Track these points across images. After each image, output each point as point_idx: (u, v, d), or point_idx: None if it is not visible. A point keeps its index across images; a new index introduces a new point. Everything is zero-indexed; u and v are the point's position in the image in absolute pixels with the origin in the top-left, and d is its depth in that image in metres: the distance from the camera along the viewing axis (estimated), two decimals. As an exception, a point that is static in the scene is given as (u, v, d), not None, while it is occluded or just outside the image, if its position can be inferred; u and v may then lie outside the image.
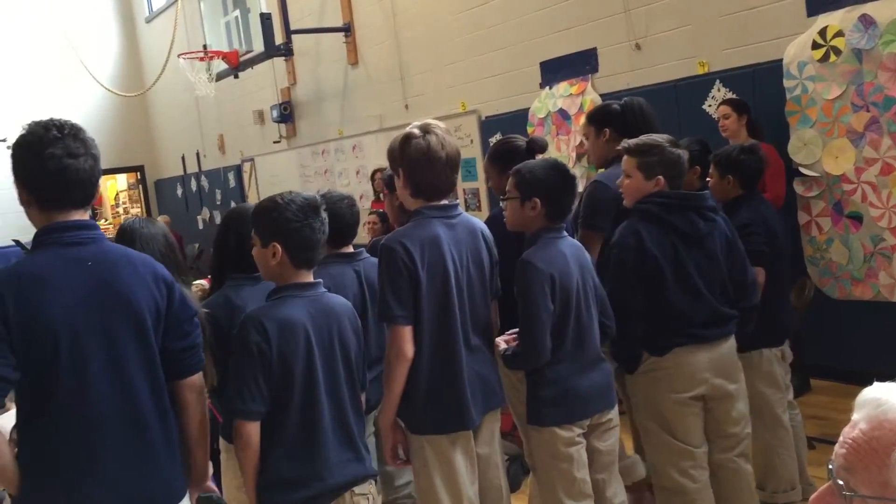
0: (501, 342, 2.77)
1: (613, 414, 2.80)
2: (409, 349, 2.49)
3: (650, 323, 2.87)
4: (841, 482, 1.06)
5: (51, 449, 2.00)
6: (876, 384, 1.11)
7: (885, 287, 4.56)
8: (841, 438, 1.10)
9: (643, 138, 2.97)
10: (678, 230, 2.87)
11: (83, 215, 2.09)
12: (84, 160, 2.02)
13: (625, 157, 2.97)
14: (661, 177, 2.90)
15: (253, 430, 2.24)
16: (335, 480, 2.32)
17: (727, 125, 4.75)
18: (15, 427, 2.13)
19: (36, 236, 2.07)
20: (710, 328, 2.91)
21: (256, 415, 2.23)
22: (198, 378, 2.19)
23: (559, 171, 2.74)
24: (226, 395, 2.24)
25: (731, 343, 2.99)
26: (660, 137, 2.96)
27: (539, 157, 3.22)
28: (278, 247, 2.29)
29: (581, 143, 6.04)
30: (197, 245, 12.44)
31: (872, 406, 1.08)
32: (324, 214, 2.37)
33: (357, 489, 2.38)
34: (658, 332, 2.86)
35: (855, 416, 1.10)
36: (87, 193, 2.07)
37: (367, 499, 2.42)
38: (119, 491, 2.01)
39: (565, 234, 2.78)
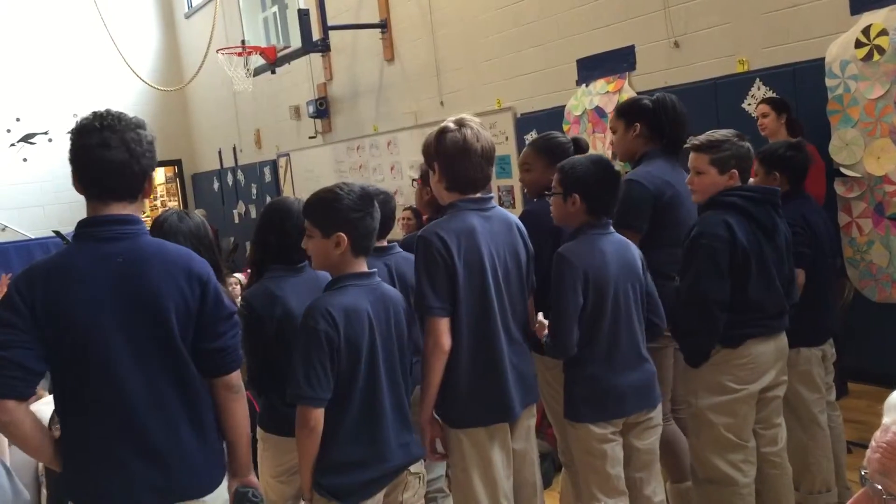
0: (543, 329, 2.78)
1: (655, 413, 2.80)
2: (446, 341, 2.50)
3: (728, 314, 2.88)
4: (879, 486, 1.06)
5: (82, 440, 2.05)
6: None
7: (926, 290, 4.48)
8: (873, 443, 1.10)
9: (709, 134, 2.99)
10: (760, 223, 2.90)
11: (128, 209, 2.10)
12: (116, 152, 2.03)
13: (693, 155, 3.00)
14: (735, 170, 2.94)
15: (319, 416, 2.28)
16: (395, 462, 2.39)
17: (766, 124, 4.70)
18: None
19: (76, 228, 2.11)
20: (777, 319, 2.97)
21: (323, 401, 2.28)
22: (233, 377, 2.20)
23: (600, 167, 2.74)
24: (292, 383, 2.27)
25: (785, 335, 3.04)
26: (727, 132, 2.98)
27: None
28: (344, 237, 2.33)
29: (612, 142, 6.00)
30: (232, 239, 12.56)
31: None
32: (377, 205, 2.42)
33: (412, 468, 2.47)
34: (734, 324, 2.87)
35: (886, 420, 1.10)
36: (125, 185, 2.08)
37: (419, 478, 2.51)
38: (143, 478, 2.05)
39: (612, 230, 2.77)
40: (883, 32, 4.53)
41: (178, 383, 2.09)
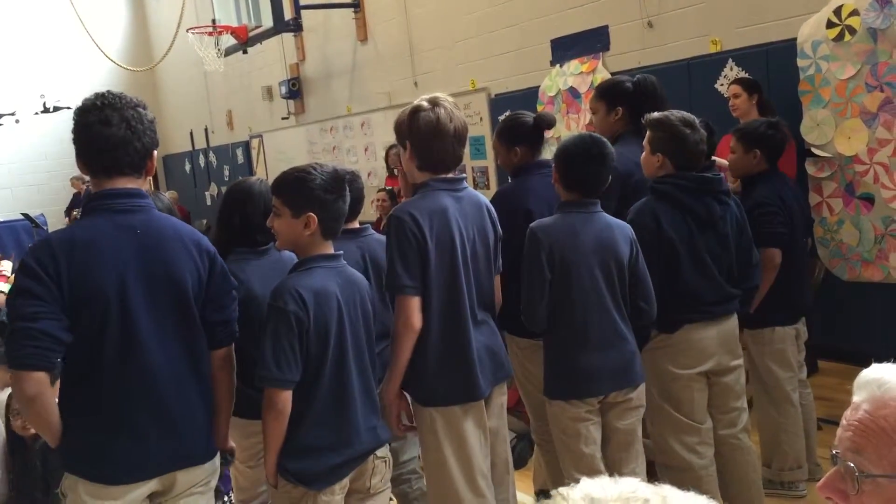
0: None
1: (635, 394, 2.80)
2: (417, 320, 2.49)
3: (662, 301, 2.87)
4: (851, 464, 1.06)
5: (95, 410, 2.10)
6: (874, 365, 1.11)
7: (895, 269, 4.53)
8: (844, 422, 1.10)
9: (663, 113, 2.99)
10: (694, 213, 2.89)
11: (134, 183, 2.16)
12: (117, 128, 2.10)
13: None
14: (661, 155, 2.92)
15: (287, 398, 2.27)
16: (363, 446, 2.38)
17: (738, 105, 4.71)
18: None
19: (87, 202, 2.18)
20: (718, 306, 2.96)
21: (291, 384, 2.27)
22: (227, 350, 2.30)
23: (580, 145, 2.74)
24: (260, 364, 2.26)
25: (734, 319, 3.04)
26: (680, 116, 2.96)
27: (547, 133, 3.20)
28: (314, 217, 2.31)
29: (590, 122, 6.00)
30: (205, 221, 12.45)
31: (875, 386, 1.09)
32: (348, 189, 2.41)
33: (379, 453, 2.45)
34: (669, 310, 2.87)
35: (856, 399, 1.10)
36: (128, 161, 2.13)
37: (386, 462, 2.50)
38: (158, 443, 2.13)
39: (597, 211, 2.76)
40: (854, 13, 4.55)
41: (191, 353, 2.19)
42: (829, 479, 1.10)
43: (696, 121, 2.97)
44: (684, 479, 2.96)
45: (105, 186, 2.14)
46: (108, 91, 2.16)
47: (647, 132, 2.98)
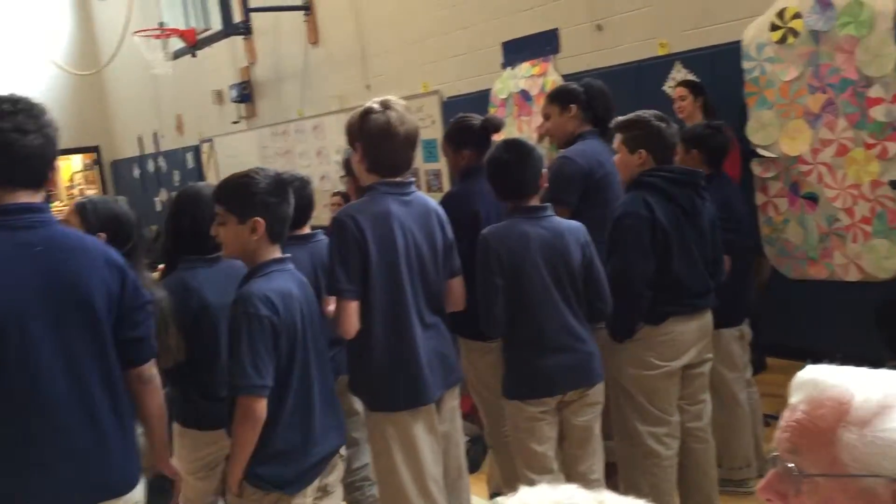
0: None
1: (593, 391, 2.81)
2: (353, 324, 2.47)
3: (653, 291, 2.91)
4: (790, 465, 1.07)
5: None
6: (809, 366, 1.12)
7: (839, 267, 4.63)
8: (782, 423, 1.11)
9: (631, 114, 3.03)
10: (679, 204, 2.93)
11: (34, 197, 2.02)
12: (34, 137, 1.95)
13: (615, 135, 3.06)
14: (643, 150, 2.96)
15: (265, 405, 2.22)
16: (328, 446, 2.38)
17: (684, 107, 4.78)
18: None
19: None
20: (701, 298, 3.02)
21: (269, 390, 2.22)
22: (147, 367, 2.16)
23: (507, 150, 2.75)
24: (237, 373, 2.19)
25: (710, 313, 3.09)
26: (648, 113, 3.01)
27: (496, 136, 3.21)
28: (261, 221, 2.27)
29: (542, 124, 6.04)
30: (154, 227, 12.24)
31: (811, 387, 1.10)
32: (291, 192, 2.39)
33: (342, 450, 2.47)
34: (655, 301, 2.90)
35: (793, 400, 1.12)
36: (36, 173, 2.00)
37: (343, 460, 2.51)
38: (69, 479, 1.97)
39: (547, 214, 2.76)
40: (797, 15, 4.64)
41: (102, 376, 2.03)
42: (768, 481, 1.11)
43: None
44: (647, 465, 2.99)
45: (6, 200, 1.96)
46: (14, 94, 1.99)
47: (619, 135, 3.01)
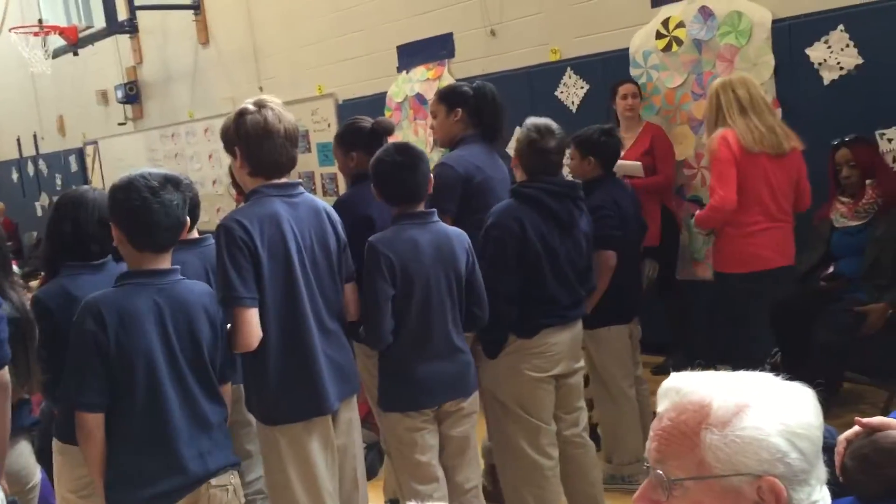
0: None
1: (468, 403, 2.80)
2: (255, 334, 2.36)
3: (521, 306, 2.90)
4: (660, 472, 1.09)
5: None
6: (673, 374, 1.16)
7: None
8: (651, 433, 1.14)
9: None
10: (557, 218, 2.92)
11: None
12: None
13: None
14: (516, 159, 2.98)
15: (94, 422, 2.13)
16: (189, 474, 2.22)
17: (634, 105, 4.81)
18: None
19: None
20: (572, 309, 3.03)
21: (97, 406, 2.12)
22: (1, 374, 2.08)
23: (399, 154, 2.69)
24: (64, 386, 2.11)
25: (580, 324, 3.12)
26: (537, 123, 2.99)
27: (387, 139, 3.17)
28: (116, 229, 2.18)
29: (431, 126, 6.05)
30: (35, 233, 11.67)
31: (673, 394, 1.14)
32: (174, 195, 2.23)
33: (214, 481, 2.28)
34: (527, 315, 2.90)
35: (659, 409, 1.14)
36: None
37: (227, 490, 2.32)
38: None
39: (432, 220, 2.73)
40: (680, 24, 4.81)
41: None
42: (642, 491, 1.13)
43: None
44: (533, 478, 3.01)
45: None
46: None
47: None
